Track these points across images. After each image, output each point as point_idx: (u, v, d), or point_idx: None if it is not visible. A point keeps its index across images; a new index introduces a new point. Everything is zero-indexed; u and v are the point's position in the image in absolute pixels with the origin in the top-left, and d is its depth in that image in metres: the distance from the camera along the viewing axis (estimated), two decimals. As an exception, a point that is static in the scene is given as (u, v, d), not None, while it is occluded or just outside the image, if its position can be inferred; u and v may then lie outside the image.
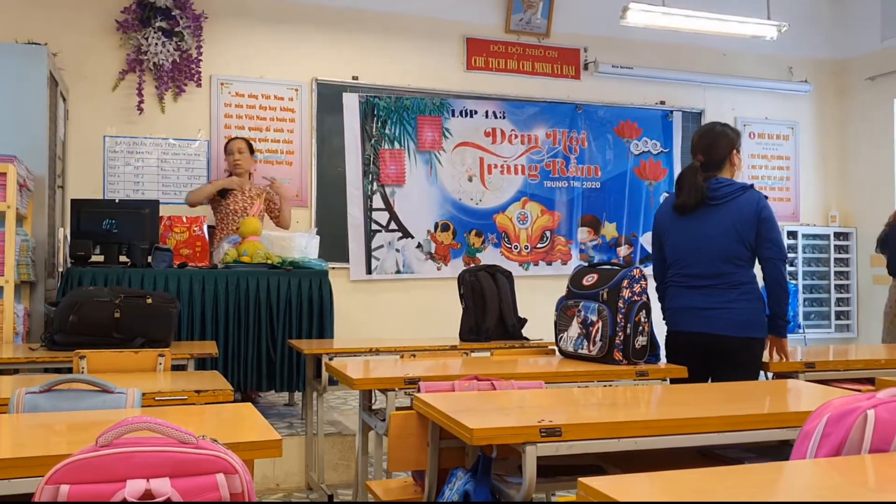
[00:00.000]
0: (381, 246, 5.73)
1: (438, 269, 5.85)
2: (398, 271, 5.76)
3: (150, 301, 3.46)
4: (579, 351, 3.12)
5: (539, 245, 6.12)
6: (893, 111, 6.68)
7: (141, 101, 5.21)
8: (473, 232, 5.96)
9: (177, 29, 5.21)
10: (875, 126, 6.81)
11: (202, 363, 3.76)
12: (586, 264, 3.38)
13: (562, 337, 3.22)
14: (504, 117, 6.05)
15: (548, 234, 6.14)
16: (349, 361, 3.27)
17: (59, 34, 5.06)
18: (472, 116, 5.97)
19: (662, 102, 6.52)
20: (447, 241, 5.89)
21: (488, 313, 4.03)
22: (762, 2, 5.86)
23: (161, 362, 2.88)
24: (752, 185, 3.13)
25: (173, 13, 5.19)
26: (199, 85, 5.35)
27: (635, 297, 3.07)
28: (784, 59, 6.88)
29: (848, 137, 7.08)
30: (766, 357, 3.15)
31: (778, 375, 3.11)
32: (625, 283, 3.08)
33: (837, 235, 6.95)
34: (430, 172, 5.86)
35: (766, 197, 3.12)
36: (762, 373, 3.24)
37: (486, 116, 6.01)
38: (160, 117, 5.30)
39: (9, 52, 4.29)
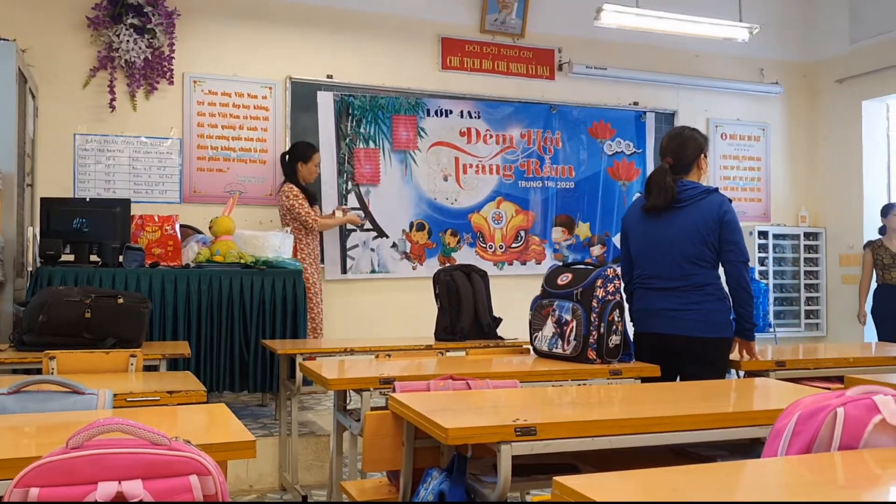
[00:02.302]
0: (357, 245, 5.71)
1: (414, 268, 5.84)
2: (373, 271, 5.74)
3: (121, 301, 3.42)
4: (554, 350, 3.14)
5: (514, 245, 6.14)
6: (861, 113, 6.79)
7: (113, 99, 5.14)
8: (449, 231, 5.96)
9: (149, 26, 5.15)
10: (844, 127, 6.91)
11: (174, 364, 3.72)
12: (560, 264, 3.40)
13: (536, 336, 3.23)
14: (479, 117, 6.06)
15: (522, 233, 6.16)
16: (324, 361, 3.26)
17: (29, 30, 4.98)
18: (447, 116, 5.97)
19: (636, 103, 6.56)
20: (422, 240, 5.89)
21: (463, 313, 4.03)
22: (734, 4, 5.93)
23: (133, 363, 2.84)
24: (716, 189, 3.15)
25: (145, 10, 5.13)
26: (172, 83, 5.29)
27: (609, 297, 3.09)
28: (755, 61, 6.97)
29: (817, 139, 7.18)
30: (735, 356, 3.19)
31: (749, 374, 3.15)
32: (599, 282, 3.10)
33: (807, 235, 7.05)
34: (406, 172, 5.85)
35: (731, 200, 3.14)
36: (734, 372, 3.28)
37: (461, 116, 6.01)
38: (132, 115, 5.24)
39: (-24, 47, 4.22)
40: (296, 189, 4.99)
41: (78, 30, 5.14)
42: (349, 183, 5.69)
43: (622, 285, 3.15)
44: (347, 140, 5.69)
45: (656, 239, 3.16)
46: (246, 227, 5.30)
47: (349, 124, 5.70)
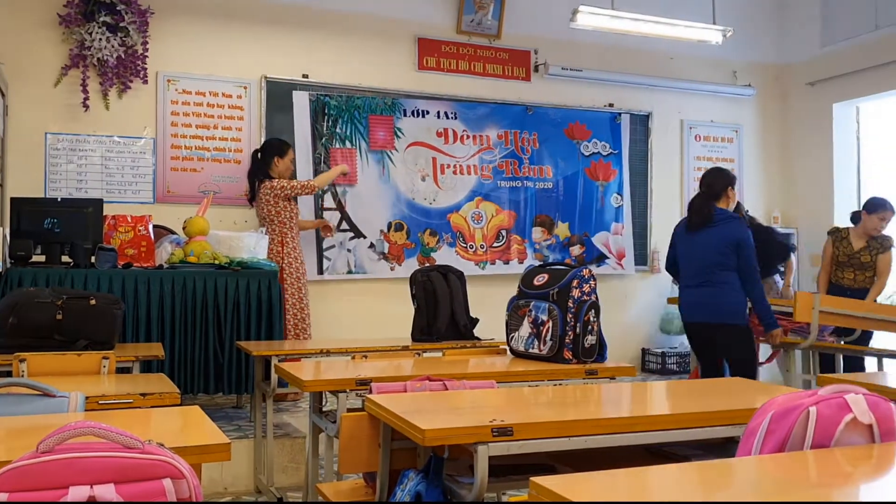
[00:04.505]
0: (333, 246, 5.68)
1: (392, 269, 5.83)
2: (350, 271, 5.72)
3: (93, 302, 3.38)
4: (530, 350, 3.15)
5: (495, 244, 6.15)
6: (832, 115, 6.88)
7: (85, 98, 5.07)
8: (428, 231, 5.95)
9: (122, 24, 5.09)
10: (815, 129, 7.00)
11: (148, 366, 3.68)
12: (539, 264, 3.42)
13: (513, 336, 3.25)
14: (456, 118, 6.06)
15: (504, 233, 6.17)
16: (299, 363, 3.24)
17: (-2, 27, 4.91)
18: (423, 116, 5.96)
19: (611, 105, 6.60)
20: (401, 240, 5.87)
21: (440, 313, 4.03)
22: (707, 8, 5.98)
23: (105, 365, 2.81)
24: (738, 217, 4.19)
25: (118, 8, 5.06)
26: (145, 81, 5.23)
27: (584, 297, 3.11)
28: (728, 64, 7.04)
29: (789, 140, 7.27)
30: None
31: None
32: (574, 282, 3.12)
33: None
34: (383, 172, 5.83)
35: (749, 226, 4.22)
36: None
37: (438, 116, 6.00)
38: (104, 114, 5.17)
39: (-56, 44, 4.15)
40: (277, 181, 4.94)
41: (49, 27, 5.06)
42: (325, 183, 5.65)
43: (597, 285, 3.19)
44: (323, 140, 5.67)
45: (692, 248, 4.20)
46: (220, 227, 5.25)
47: (325, 124, 5.68)
